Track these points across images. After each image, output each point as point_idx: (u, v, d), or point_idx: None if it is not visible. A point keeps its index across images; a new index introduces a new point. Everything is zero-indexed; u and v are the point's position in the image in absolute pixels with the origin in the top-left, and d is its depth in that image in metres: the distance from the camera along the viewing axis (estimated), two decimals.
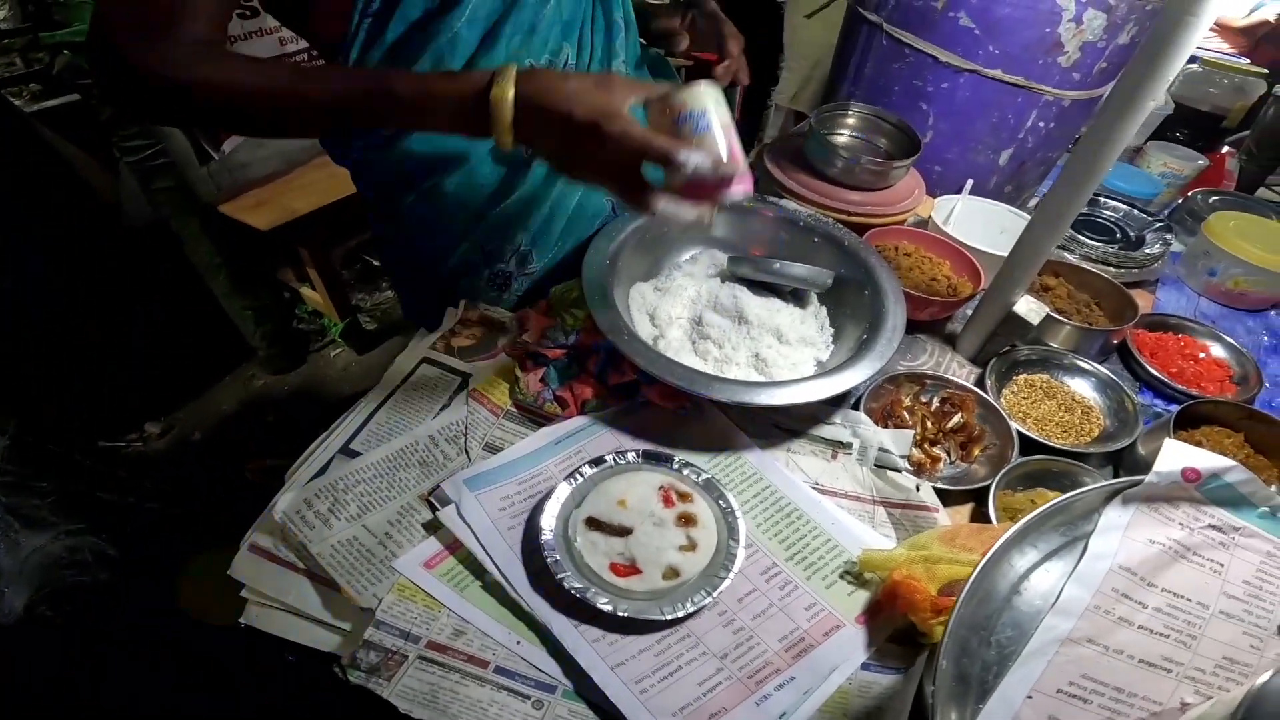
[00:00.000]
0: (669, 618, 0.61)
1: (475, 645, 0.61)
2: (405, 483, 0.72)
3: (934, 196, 1.12)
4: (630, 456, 0.72)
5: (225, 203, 1.63)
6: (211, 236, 1.63)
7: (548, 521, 0.66)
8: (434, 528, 0.68)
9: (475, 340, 0.86)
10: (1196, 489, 0.53)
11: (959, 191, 1.09)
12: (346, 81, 0.62)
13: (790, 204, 0.96)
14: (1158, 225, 1.13)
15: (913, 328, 0.93)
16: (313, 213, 1.63)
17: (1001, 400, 0.83)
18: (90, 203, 1.50)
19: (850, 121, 1.15)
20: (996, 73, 1.03)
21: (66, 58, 1.41)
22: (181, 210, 1.58)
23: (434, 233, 0.92)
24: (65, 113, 1.45)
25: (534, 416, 0.78)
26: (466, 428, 0.77)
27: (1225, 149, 1.45)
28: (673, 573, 0.63)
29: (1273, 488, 0.72)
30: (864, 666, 0.61)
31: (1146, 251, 1.07)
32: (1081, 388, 0.86)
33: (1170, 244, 1.09)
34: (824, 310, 0.90)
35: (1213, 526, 0.52)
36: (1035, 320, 0.82)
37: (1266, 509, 0.53)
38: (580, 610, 0.62)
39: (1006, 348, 0.88)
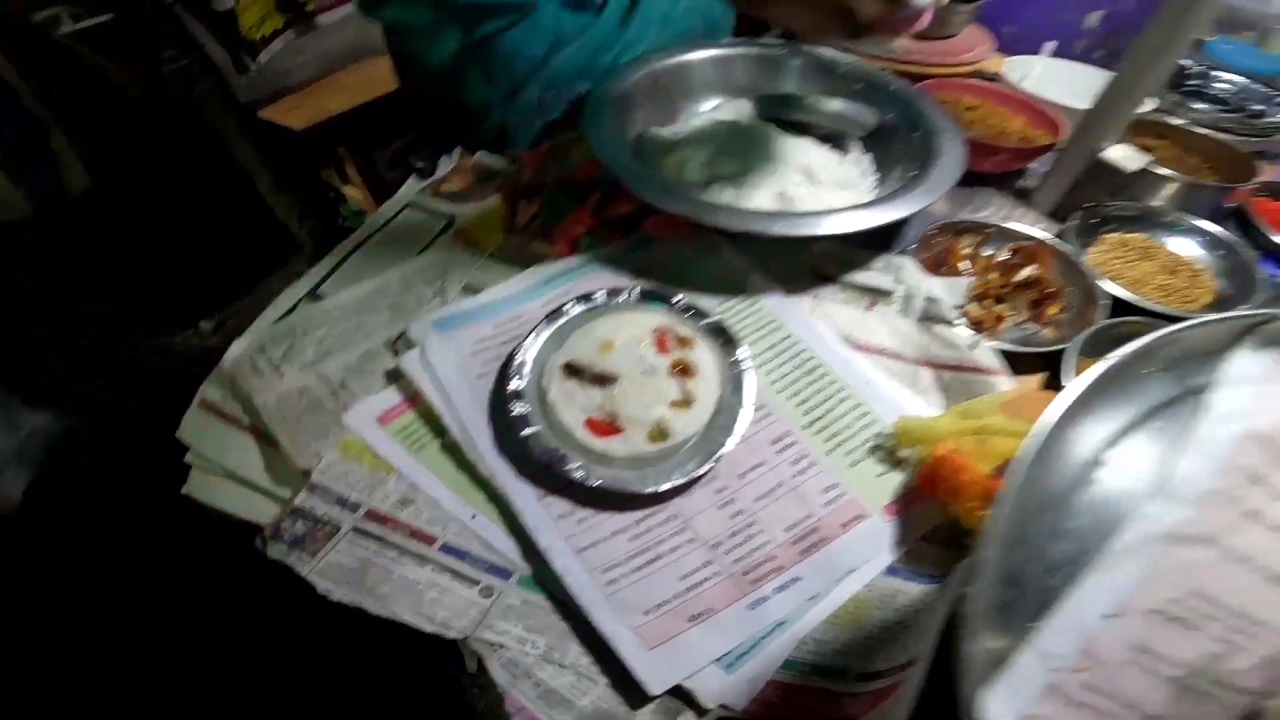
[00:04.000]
0: (650, 491, 0.47)
1: (423, 517, 0.49)
2: (371, 327, 0.61)
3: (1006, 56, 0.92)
4: (624, 295, 0.58)
5: (264, 108, 1.55)
6: (251, 139, 1.57)
7: (521, 368, 0.53)
8: (396, 377, 0.55)
9: (466, 185, 0.73)
10: None
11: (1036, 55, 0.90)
12: None
13: (830, 53, 0.79)
14: (1278, 100, 0.90)
15: (977, 180, 0.75)
16: (347, 112, 1.55)
17: (1085, 258, 0.65)
18: (127, 113, 1.44)
19: None
20: None
21: None
22: (220, 114, 1.52)
23: (484, 85, 0.79)
24: (101, 31, 1.38)
25: (524, 256, 0.65)
26: (447, 268, 0.64)
27: None
28: (660, 433, 0.50)
29: None
30: (889, 570, 0.46)
31: (1269, 120, 0.85)
32: (1187, 249, 0.67)
33: None
34: (868, 157, 0.73)
35: None
36: (1131, 167, 0.64)
37: None
38: (548, 478, 0.49)
39: (1093, 204, 0.70)
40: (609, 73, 0.73)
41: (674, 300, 0.57)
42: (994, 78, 0.87)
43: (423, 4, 0.72)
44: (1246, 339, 0.36)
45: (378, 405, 0.54)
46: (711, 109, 0.79)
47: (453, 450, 0.51)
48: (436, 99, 0.81)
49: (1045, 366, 0.57)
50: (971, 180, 0.75)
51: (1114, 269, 0.64)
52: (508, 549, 0.47)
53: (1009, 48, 0.97)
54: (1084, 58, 0.95)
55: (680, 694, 0.40)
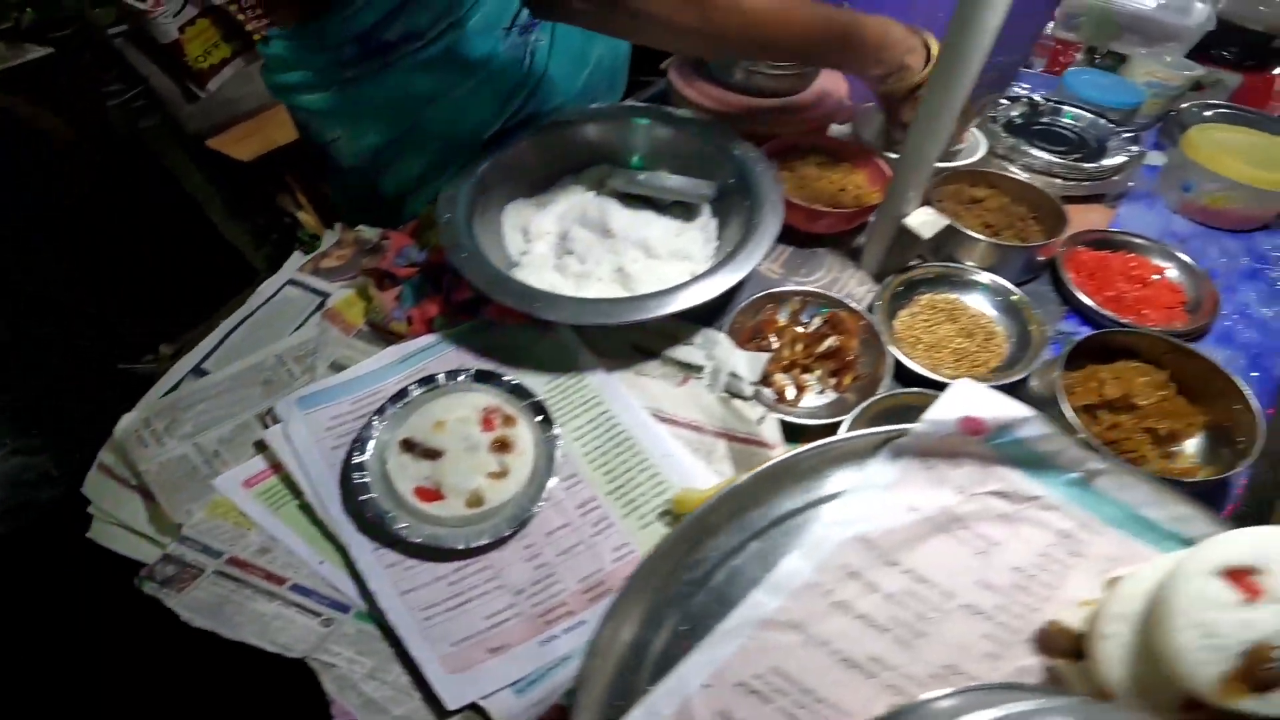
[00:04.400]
0: (464, 547, 0.56)
1: (278, 563, 0.58)
2: (246, 402, 0.68)
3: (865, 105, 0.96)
4: (462, 376, 0.65)
5: (213, 137, 1.61)
6: (201, 168, 1.62)
7: (365, 443, 0.61)
8: (263, 447, 0.64)
9: (344, 260, 0.80)
10: (983, 443, 0.42)
11: None
12: (823, 19, 0.68)
13: (685, 113, 0.84)
14: (1125, 135, 0.94)
15: (813, 242, 0.81)
16: (293, 142, 1.59)
17: (895, 322, 0.72)
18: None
19: None
20: None
21: (30, 15, 1.38)
22: (169, 145, 1.58)
23: (401, 173, 0.86)
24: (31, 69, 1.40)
25: (385, 336, 0.72)
26: (316, 347, 0.72)
27: (1278, 70, 1.21)
28: (476, 500, 0.58)
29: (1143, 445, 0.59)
30: None
31: (1103, 163, 0.89)
32: (987, 309, 0.73)
33: (1137, 156, 0.90)
34: (714, 223, 0.79)
35: (999, 493, 0.41)
36: (926, 234, 0.69)
37: (1078, 475, 0.41)
38: (381, 534, 0.57)
39: (914, 264, 0.76)
40: (480, 153, 0.78)
41: (504, 380, 0.65)
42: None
43: (338, 96, 0.79)
44: (883, 449, 0.43)
45: (245, 471, 0.63)
46: (573, 176, 0.84)
47: (307, 509, 0.60)
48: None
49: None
50: (809, 242, 0.81)
51: (915, 334, 0.70)
52: (348, 589, 0.56)
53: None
54: None
55: (478, 710, 0.50)
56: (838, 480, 0.43)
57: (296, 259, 0.81)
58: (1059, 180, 0.88)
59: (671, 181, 0.77)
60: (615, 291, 0.71)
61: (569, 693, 0.50)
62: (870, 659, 0.37)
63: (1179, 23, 1.09)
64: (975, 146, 0.90)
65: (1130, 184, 0.92)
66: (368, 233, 0.81)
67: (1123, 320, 0.72)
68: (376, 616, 0.54)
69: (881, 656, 0.37)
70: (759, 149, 0.78)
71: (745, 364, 0.65)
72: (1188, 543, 0.38)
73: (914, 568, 0.40)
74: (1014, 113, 0.99)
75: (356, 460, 0.60)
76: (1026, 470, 0.42)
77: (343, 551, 0.57)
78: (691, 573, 0.40)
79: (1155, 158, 1.00)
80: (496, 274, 0.67)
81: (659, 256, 0.74)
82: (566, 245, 0.75)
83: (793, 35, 0.69)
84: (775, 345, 0.69)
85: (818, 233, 0.80)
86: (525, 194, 0.82)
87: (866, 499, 0.42)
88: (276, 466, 0.63)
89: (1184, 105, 1.07)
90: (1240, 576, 0.31)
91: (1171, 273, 0.79)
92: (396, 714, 0.50)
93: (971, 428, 0.41)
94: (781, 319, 0.72)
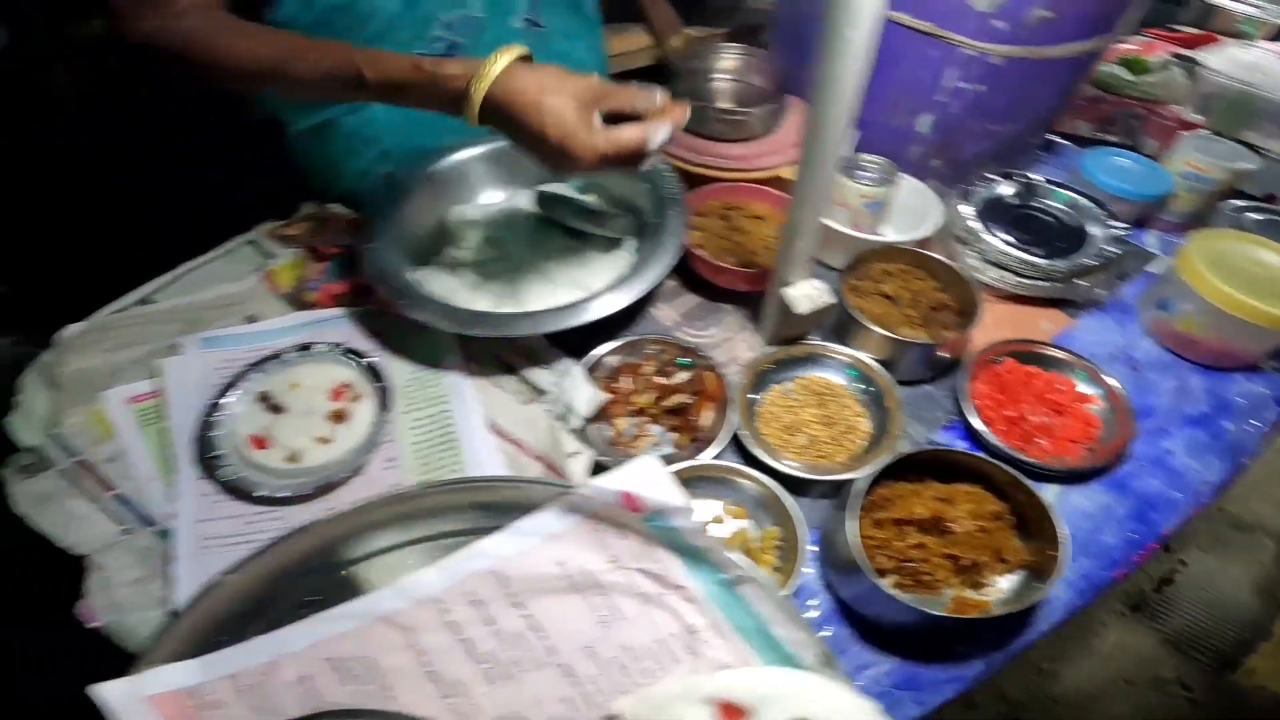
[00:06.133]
0: (263, 495, 0.61)
1: (116, 473, 0.64)
2: (165, 334, 0.76)
3: None
4: (331, 349, 0.71)
5: None
6: None
7: (234, 388, 0.68)
8: (156, 372, 0.71)
9: (302, 232, 0.88)
10: (641, 521, 0.41)
11: None
12: (334, 64, 0.61)
13: None
14: (1116, 233, 0.83)
15: (722, 297, 0.80)
16: None
17: (765, 394, 0.70)
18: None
19: (726, 63, 0.97)
20: (901, 16, 0.80)
21: None
22: None
23: (325, 161, 0.92)
24: None
25: (299, 303, 0.78)
26: (244, 300, 0.79)
27: None
28: (294, 457, 0.63)
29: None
30: None
31: (1055, 264, 0.79)
32: (859, 402, 0.70)
33: (1113, 259, 0.81)
34: (634, 259, 0.80)
35: (649, 574, 0.41)
36: (805, 309, 0.67)
37: (728, 578, 0.40)
38: (209, 466, 0.63)
39: (799, 339, 0.73)
40: (416, 156, 0.84)
41: (364, 360, 0.69)
42: None
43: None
44: (559, 499, 0.43)
45: (134, 390, 0.70)
46: (500, 197, 0.87)
47: (165, 434, 0.66)
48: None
49: None
50: (719, 296, 0.80)
51: (776, 411, 0.69)
52: (161, 510, 0.61)
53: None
54: (920, 165, 0.92)
55: None
56: (514, 515, 0.44)
57: (266, 224, 0.89)
58: (1012, 276, 0.81)
59: (585, 217, 0.79)
60: (500, 304, 0.74)
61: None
62: (454, 681, 0.38)
63: None
64: (927, 216, 0.84)
65: (1101, 292, 0.83)
66: (337, 210, 0.88)
67: (1007, 445, 0.66)
68: (169, 534, 0.59)
69: (464, 682, 0.38)
70: (683, 193, 0.78)
71: (584, 399, 0.66)
72: (799, 667, 0.37)
73: (535, 614, 0.40)
74: (1001, 190, 0.91)
75: (220, 401, 0.66)
76: (684, 559, 0.41)
77: (172, 474, 0.63)
78: (348, 552, 0.43)
79: (1163, 264, 0.89)
80: (390, 269, 0.71)
81: (555, 282, 0.76)
82: (480, 254, 0.79)
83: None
84: (630, 388, 0.69)
85: (723, 287, 0.79)
86: (462, 201, 0.86)
87: (521, 541, 0.42)
88: (158, 392, 0.69)
89: (1231, 204, 0.92)
90: (734, 713, 0.30)
91: (1096, 405, 0.72)
92: (131, 620, 0.54)
93: (630, 504, 0.41)
94: (649, 367, 0.72)
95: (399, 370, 0.70)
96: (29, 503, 0.61)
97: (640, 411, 0.69)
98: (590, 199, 0.83)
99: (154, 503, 0.62)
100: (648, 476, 0.41)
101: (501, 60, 0.56)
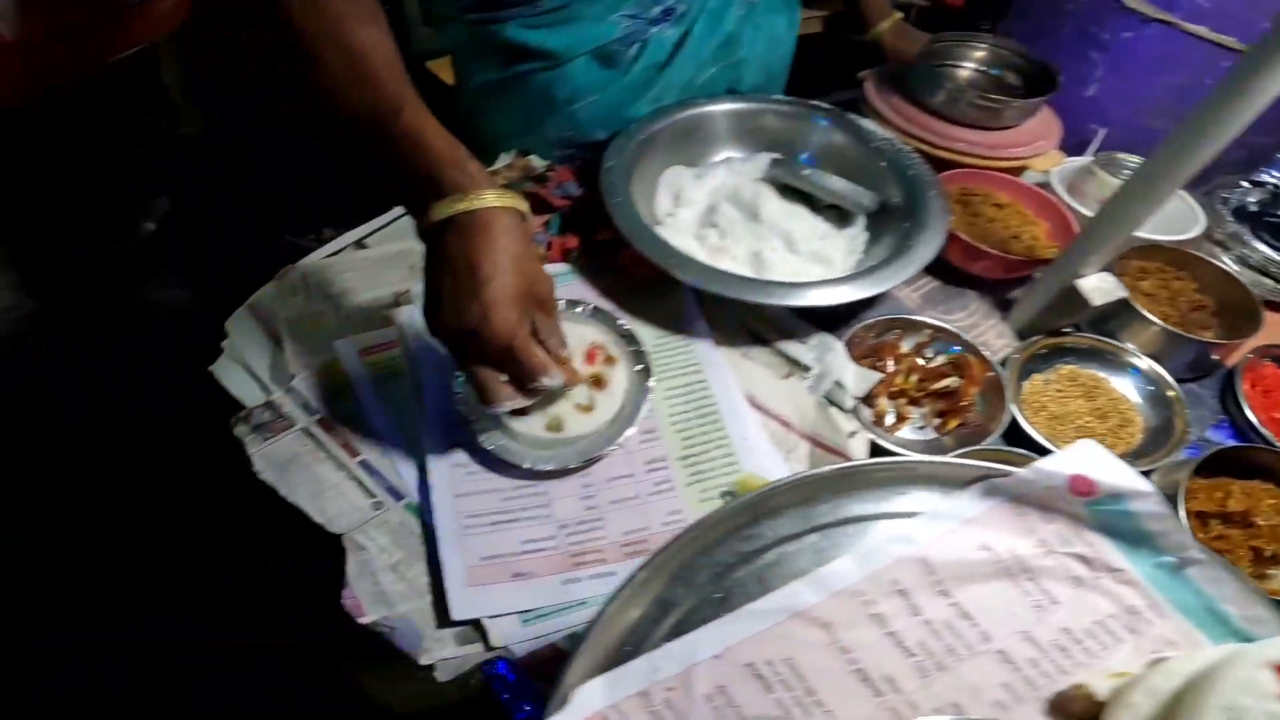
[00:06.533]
0: (528, 467, 0.57)
1: (358, 435, 0.60)
2: (389, 281, 0.74)
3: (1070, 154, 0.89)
4: (580, 309, 0.68)
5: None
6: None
7: None
8: (389, 323, 0.68)
9: (510, 181, 0.84)
10: (1085, 505, 0.38)
11: None
12: (391, 91, 0.50)
13: (870, 124, 0.82)
14: None
15: (962, 282, 0.77)
16: None
17: (1026, 383, 0.67)
18: None
19: (978, 54, 0.95)
20: (1200, 29, 0.77)
21: None
22: None
23: (504, 117, 0.87)
24: None
25: None
26: None
27: None
28: (556, 425, 0.59)
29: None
30: None
31: None
32: (1132, 395, 0.67)
33: None
34: (864, 236, 0.77)
35: (1080, 557, 0.38)
36: (1098, 301, 0.63)
37: (1171, 559, 0.37)
38: (461, 433, 0.59)
39: (1066, 330, 0.70)
40: (653, 112, 0.80)
41: (618, 322, 0.66)
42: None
43: (467, 31, 0.80)
44: (977, 484, 0.41)
45: (367, 340, 0.66)
46: (735, 159, 0.84)
47: (405, 392, 0.63)
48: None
49: None
50: (958, 280, 0.77)
51: (1043, 401, 0.65)
52: (410, 479, 0.58)
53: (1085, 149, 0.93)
54: None
55: (478, 628, 0.51)
56: (915, 500, 0.41)
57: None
58: (1270, 281, 0.78)
59: (834, 183, 0.75)
60: (747, 273, 0.71)
61: (571, 636, 0.50)
62: (884, 678, 0.36)
63: None
64: (1191, 221, 0.81)
65: None
66: (536, 162, 0.85)
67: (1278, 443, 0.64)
68: (424, 512, 0.56)
69: (895, 678, 0.36)
70: (935, 175, 0.75)
71: (854, 377, 0.63)
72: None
73: (963, 602, 0.38)
74: (1251, 198, 0.89)
75: None
76: (1119, 542, 0.39)
77: (418, 440, 0.59)
78: (744, 545, 0.40)
79: None
80: (641, 225, 0.68)
81: (798, 252, 0.73)
82: (711, 218, 0.75)
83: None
84: (890, 369, 0.66)
85: (972, 273, 0.75)
86: (685, 162, 0.83)
87: (941, 525, 0.40)
88: (396, 343, 0.66)
89: None
90: None
91: None
92: (400, 610, 0.51)
93: (1081, 487, 0.38)
94: (905, 347, 0.69)
95: (644, 334, 0.67)
96: (273, 469, 0.57)
97: (900, 394, 0.66)
98: (828, 173, 0.79)
99: (400, 472, 0.58)
100: (1094, 459, 0.39)
101: (511, 200, 0.49)
